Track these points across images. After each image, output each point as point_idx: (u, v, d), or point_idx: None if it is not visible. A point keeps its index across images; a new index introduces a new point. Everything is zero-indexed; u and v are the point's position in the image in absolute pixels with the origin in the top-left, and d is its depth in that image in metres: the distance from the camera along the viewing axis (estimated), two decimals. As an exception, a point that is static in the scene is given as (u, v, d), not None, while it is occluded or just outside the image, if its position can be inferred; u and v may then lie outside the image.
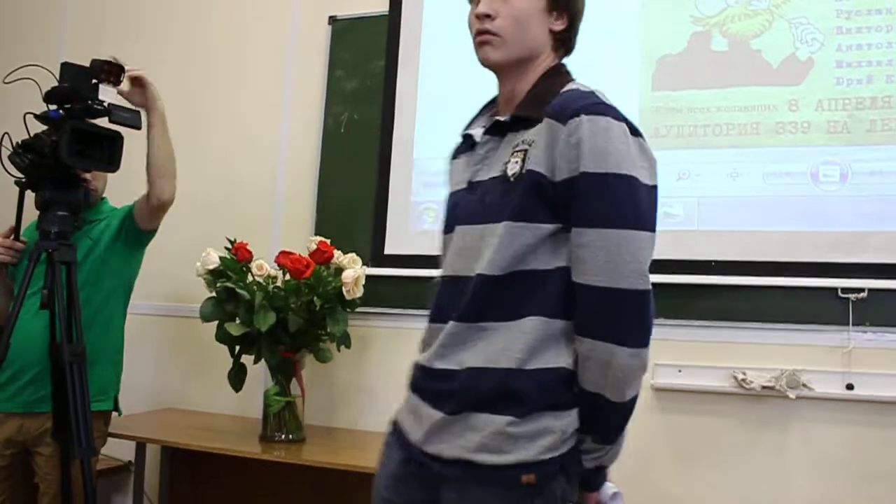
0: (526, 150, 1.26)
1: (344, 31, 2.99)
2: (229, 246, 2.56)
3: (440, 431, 1.26)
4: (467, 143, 1.41)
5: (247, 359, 2.56)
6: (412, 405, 1.35)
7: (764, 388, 2.36)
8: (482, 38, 1.34)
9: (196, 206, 3.01)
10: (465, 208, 1.34)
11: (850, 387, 2.33)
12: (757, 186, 2.42)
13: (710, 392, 2.43)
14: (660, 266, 2.40)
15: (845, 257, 2.33)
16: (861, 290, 2.32)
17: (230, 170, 3.12)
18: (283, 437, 2.53)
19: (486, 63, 1.37)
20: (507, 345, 1.23)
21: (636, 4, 2.61)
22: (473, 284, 1.26)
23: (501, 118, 1.35)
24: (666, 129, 2.51)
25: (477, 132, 1.38)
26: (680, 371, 2.45)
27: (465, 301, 1.27)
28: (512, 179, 1.26)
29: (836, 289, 2.34)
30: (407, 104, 2.83)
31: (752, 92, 2.46)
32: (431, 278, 2.65)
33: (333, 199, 2.92)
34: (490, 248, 1.25)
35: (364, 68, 2.94)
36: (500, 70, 1.39)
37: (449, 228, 1.38)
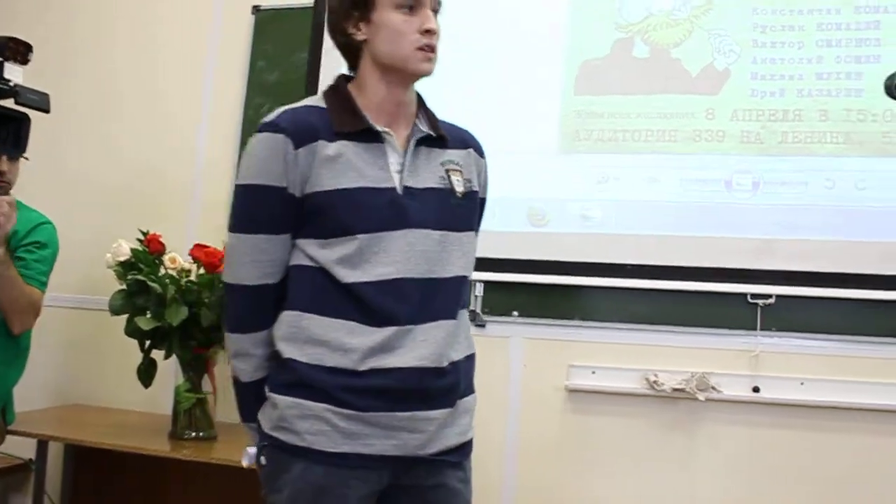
0: (459, 171, 1.46)
1: (267, 21, 2.96)
2: (141, 237, 2.51)
3: (444, 427, 1.39)
4: (358, 136, 1.39)
5: (157, 354, 2.51)
6: (384, 424, 1.35)
7: (675, 390, 2.43)
8: (430, 53, 1.43)
9: (108, 195, 2.94)
10: (425, 215, 1.40)
11: (756, 389, 2.42)
12: (674, 192, 2.49)
13: (622, 394, 2.49)
14: (576, 268, 2.50)
15: (755, 264, 2.42)
16: (769, 296, 2.42)
17: (145, 159, 3.04)
18: (194, 434, 2.49)
19: (425, 74, 1.45)
20: (465, 335, 1.47)
21: (562, 9, 2.65)
22: (453, 284, 1.42)
23: (430, 133, 1.46)
24: (587, 133, 2.56)
25: (391, 139, 1.43)
26: (594, 373, 2.51)
27: (447, 300, 1.41)
28: (460, 195, 1.44)
29: (745, 294, 2.43)
30: (329, 98, 2.81)
31: (671, 99, 2.53)
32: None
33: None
34: (457, 252, 1.43)
35: (287, 60, 2.91)
36: (415, 82, 1.48)
37: (397, 226, 1.38)
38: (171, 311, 2.37)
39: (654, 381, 2.45)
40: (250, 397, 1.43)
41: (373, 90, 1.43)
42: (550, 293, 2.53)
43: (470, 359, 1.47)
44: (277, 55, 2.94)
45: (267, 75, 2.93)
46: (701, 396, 2.42)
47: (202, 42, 3.07)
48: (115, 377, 2.85)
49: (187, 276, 2.48)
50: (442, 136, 1.47)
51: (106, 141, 3.07)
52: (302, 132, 1.35)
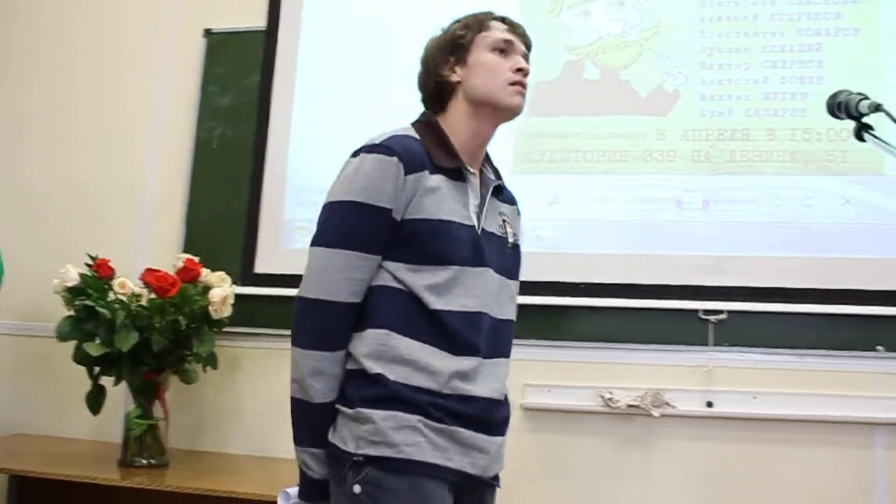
0: (509, 223, 1.58)
1: (219, 45, 2.95)
2: (90, 262, 2.47)
3: (500, 453, 1.50)
4: (450, 174, 1.47)
5: (107, 380, 2.46)
6: (461, 439, 1.41)
7: (630, 406, 2.45)
8: (522, 89, 1.53)
9: (56, 219, 2.89)
10: (493, 257, 1.49)
11: (709, 404, 2.45)
12: (625, 211, 2.52)
13: (578, 411, 2.51)
14: (530, 288, 2.48)
15: (706, 280, 2.46)
16: (721, 311, 2.46)
17: (95, 183, 2.99)
18: (145, 461, 2.44)
19: (518, 111, 1.54)
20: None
21: (512, 31, 2.68)
22: (509, 327, 1.54)
23: (498, 183, 1.58)
24: (539, 154, 2.59)
25: (473, 180, 1.52)
26: (549, 391, 2.52)
27: (507, 342, 1.53)
28: (511, 246, 1.56)
29: (697, 311, 2.47)
30: (281, 121, 2.81)
31: (621, 120, 2.57)
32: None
33: (204, 216, 2.86)
34: (512, 299, 1.56)
35: (239, 84, 2.90)
36: (509, 119, 1.57)
37: (477, 263, 1.46)
38: (121, 336, 2.32)
39: (609, 399, 2.46)
40: (319, 419, 1.41)
41: (463, 128, 1.52)
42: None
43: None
44: (229, 79, 2.92)
45: (219, 99, 2.91)
46: (655, 412, 2.44)
47: (154, 65, 3.05)
48: (62, 405, 2.78)
49: (137, 301, 2.44)
50: (502, 187, 1.60)
51: (56, 164, 3.01)
52: (412, 160, 1.41)
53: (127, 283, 2.43)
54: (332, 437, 1.39)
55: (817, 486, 2.40)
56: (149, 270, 2.44)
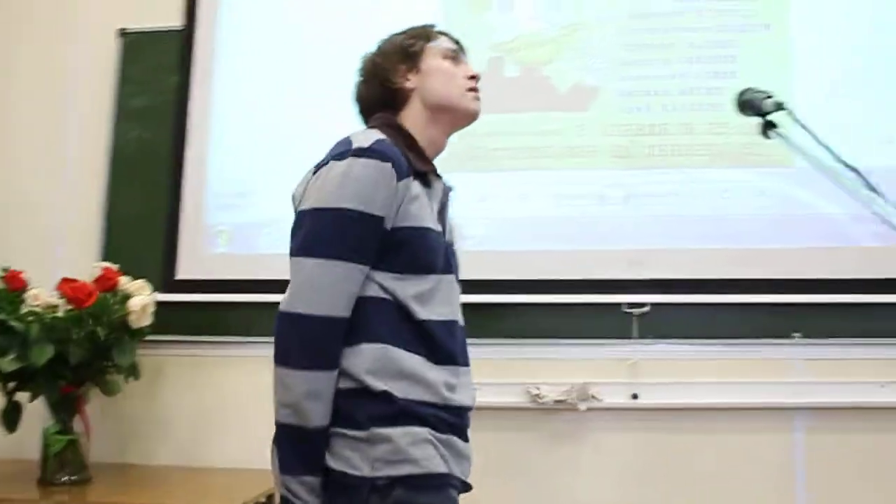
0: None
1: (134, 45, 2.87)
2: (1, 274, 2.39)
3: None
4: (422, 179, 1.45)
5: (23, 396, 2.38)
6: (457, 449, 1.41)
7: (556, 401, 2.47)
8: (478, 94, 1.57)
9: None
10: (453, 260, 1.52)
11: (634, 396, 2.49)
12: (549, 207, 2.54)
13: (506, 408, 2.52)
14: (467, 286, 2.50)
15: (629, 274, 2.50)
16: (644, 304, 2.50)
17: (7, 191, 2.89)
18: (66, 478, 2.36)
19: (476, 116, 1.59)
20: None
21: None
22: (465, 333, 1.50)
23: (451, 188, 1.57)
24: (465, 153, 2.58)
25: (436, 182, 1.51)
26: (477, 389, 2.52)
27: (466, 348, 1.50)
28: (453, 249, 1.55)
29: (620, 304, 2.50)
30: (200, 123, 2.75)
31: (541, 116, 2.59)
32: (227, 303, 2.62)
33: (123, 222, 2.78)
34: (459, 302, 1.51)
35: (156, 85, 2.83)
36: (464, 126, 1.61)
37: (447, 271, 1.46)
38: (35, 350, 2.25)
39: (537, 394, 2.48)
40: (316, 444, 1.32)
41: (423, 134, 1.51)
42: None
43: None
44: (146, 79, 2.85)
45: (135, 100, 2.84)
46: (582, 406, 2.47)
47: (67, 66, 2.95)
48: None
49: (54, 313, 2.36)
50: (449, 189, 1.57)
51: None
52: (400, 165, 1.37)
53: (40, 295, 2.36)
54: (336, 464, 1.31)
55: (741, 471, 2.46)
56: (65, 280, 2.37)
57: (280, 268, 2.54)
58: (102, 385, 2.45)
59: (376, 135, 1.41)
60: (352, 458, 1.30)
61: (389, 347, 1.34)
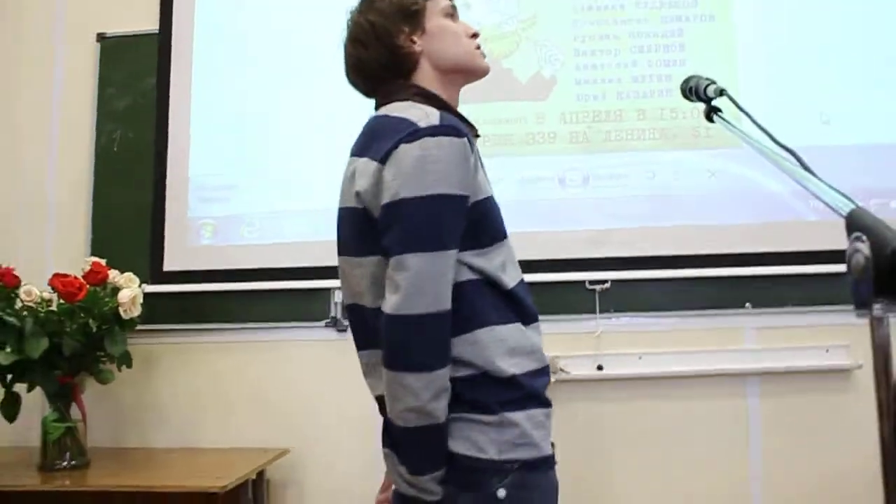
0: None
1: (113, 48, 2.97)
2: (-5, 272, 2.50)
3: None
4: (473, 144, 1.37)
5: (21, 386, 2.50)
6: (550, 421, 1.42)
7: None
8: (482, 51, 1.51)
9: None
10: None
11: (600, 367, 2.65)
12: (514, 192, 2.68)
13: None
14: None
15: (591, 253, 2.65)
16: (605, 281, 2.65)
17: (-5, 191, 3.01)
18: (65, 464, 2.48)
19: (486, 70, 1.53)
20: None
21: (399, 26, 2.80)
22: None
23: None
24: (431, 143, 2.72)
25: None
26: (453, 365, 2.66)
27: None
28: None
29: (584, 281, 2.65)
30: (180, 121, 2.86)
31: (504, 106, 2.73)
32: (213, 293, 2.75)
33: (109, 218, 2.89)
34: None
35: (136, 86, 2.94)
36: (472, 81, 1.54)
37: (505, 235, 1.41)
38: (31, 343, 2.36)
39: (508, 369, 2.62)
40: (444, 438, 1.28)
41: (444, 96, 1.44)
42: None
43: None
44: (126, 81, 2.95)
45: (117, 102, 2.94)
46: (552, 378, 2.60)
47: (48, 71, 3.04)
48: (-23, 414, 2.79)
49: (47, 307, 2.48)
50: None
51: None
52: (469, 138, 1.32)
53: (33, 291, 2.47)
54: (460, 448, 1.28)
55: (700, 435, 2.64)
56: (56, 276, 2.48)
57: (263, 257, 2.71)
58: (96, 374, 2.57)
59: (429, 109, 1.34)
60: (479, 441, 1.28)
61: (496, 328, 1.31)
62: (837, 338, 2.60)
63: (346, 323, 2.66)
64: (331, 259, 2.62)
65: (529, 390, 1.33)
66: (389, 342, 1.26)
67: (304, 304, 2.74)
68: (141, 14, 2.97)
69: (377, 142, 1.32)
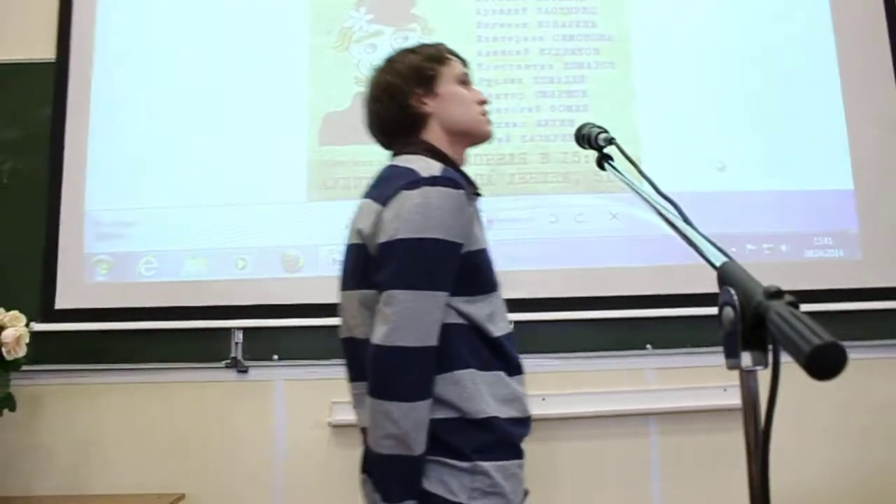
0: None
1: (5, 76, 2.88)
2: None
3: None
4: (473, 200, 1.48)
5: None
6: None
7: (430, 416, 2.60)
8: (488, 118, 1.63)
9: None
10: None
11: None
12: (416, 233, 2.67)
13: (382, 425, 2.63)
14: (331, 310, 2.60)
15: (494, 294, 2.66)
16: (510, 322, 2.65)
17: None
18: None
19: (490, 136, 1.66)
20: None
21: (302, 64, 2.80)
22: None
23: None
24: (333, 182, 2.71)
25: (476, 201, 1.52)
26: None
27: None
28: None
29: (486, 323, 2.65)
30: (77, 153, 2.77)
31: (410, 147, 2.73)
32: (106, 332, 2.65)
33: (-2, 253, 2.79)
34: None
35: (29, 116, 2.84)
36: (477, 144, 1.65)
37: (498, 285, 1.50)
38: None
39: (411, 410, 2.60)
40: (419, 470, 1.34)
41: (450, 154, 1.55)
42: (309, 335, 2.62)
43: None
44: (18, 111, 2.85)
45: (7, 132, 2.84)
46: (454, 420, 2.60)
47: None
48: None
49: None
50: None
51: None
52: (467, 191, 1.41)
53: None
54: (434, 488, 1.34)
55: (603, 475, 2.67)
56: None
57: (161, 296, 2.63)
58: (-25, 418, 2.44)
59: (433, 162, 1.44)
60: (451, 484, 1.34)
61: (477, 372, 1.38)
62: (734, 378, 2.58)
63: (247, 364, 2.62)
64: (231, 299, 2.61)
65: (504, 435, 1.39)
66: (375, 371, 1.32)
67: (203, 344, 2.67)
68: (36, 42, 2.89)
69: (382, 187, 1.43)
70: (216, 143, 2.72)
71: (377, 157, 2.71)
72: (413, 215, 1.35)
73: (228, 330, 2.65)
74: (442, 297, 1.35)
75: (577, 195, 2.72)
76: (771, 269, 2.64)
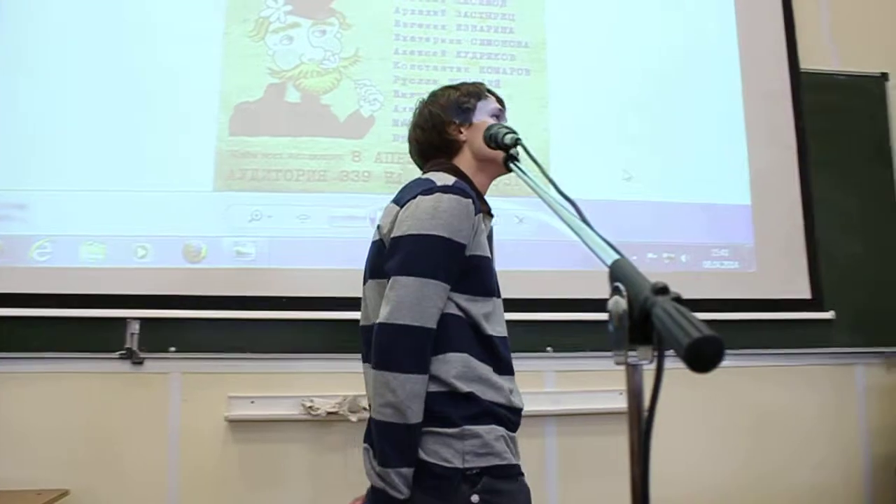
0: None
1: None
2: None
3: None
4: (484, 218, 1.69)
5: None
6: (517, 444, 1.66)
7: (329, 413, 2.61)
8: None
9: None
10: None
11: (403, 408, 2.67)
12: (323, 229, 2.68)
13: (281, 420, 2.63)
14: (232, 302, 2.59)
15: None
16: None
17: None
18: None
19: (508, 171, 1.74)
20: None
21: (215, 53, 2.76)
22: None
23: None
24: (241, 173, 2.68)
25: (487, 220, 1.73)
26: (252, 402, 2.62)
27: None
28: None
29: (391, 321, 2.67)
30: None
31: (320, 142, 2.74)
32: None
33: None
34: None
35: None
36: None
37: (499, 294, 1.71)
38: None
39: (310, 407, 2.60)
40: (413, 439, 1.52)
41: (477, 178, 1.78)
42: (208, 327, 2.59)
43: None
44: None
45: None
46: (353, 418, 2.61)
47: None
48: None
49: None
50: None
51: None
52: (475, 202, 1.61)
53: None
54: (430, 457, 1.52)
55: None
56: None
57: (53, 282, 2.56)
58: None
59: (450, 175, 1.68)
60: (443, 452, 1.52)
61: (469, 357, 1.58)
62: (629, 383, 2.73)
63: (142, 356, 2.57)
64: (129, 287, 2.56)
65: (487, 409, 1.57)
66: (377, 345, 1.52)
67: (97, 334, 2.60)
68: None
69: (404, 192, 1.65)
70: (121, 126, 2.66)
71: (287, 150, 2.74)
72: (423, 214, 1.57)
73: (124, 320, 2.58)
74: (441, 286, 1.55)
75: (487, 198, 2.75)
76: (670, 278, 2.69)
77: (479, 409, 1.56)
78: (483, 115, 1.82)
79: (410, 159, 2.71)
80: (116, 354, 2.59)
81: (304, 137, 2.72)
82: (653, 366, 0.87)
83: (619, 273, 0.94)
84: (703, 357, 0.72)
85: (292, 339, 2.65)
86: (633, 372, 0.92)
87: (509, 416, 1.61)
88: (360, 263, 2.66)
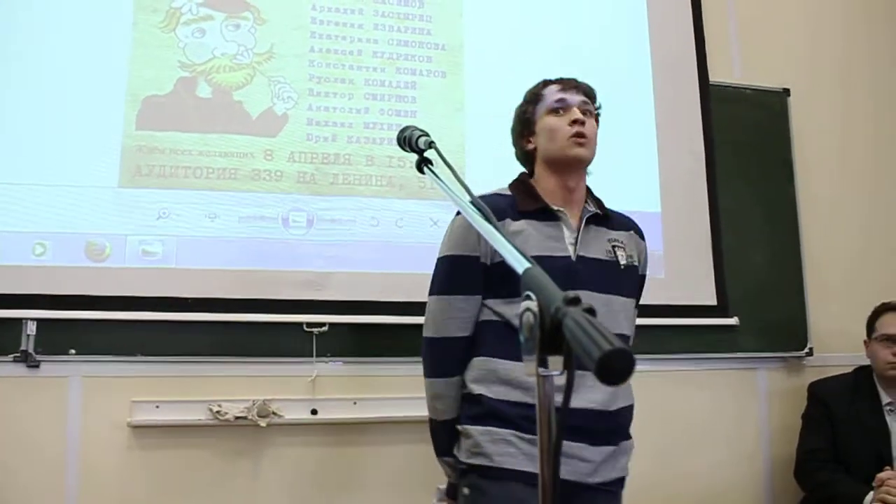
0: (622, 248, 1.91)
1: None
2: None
3: (607, 462, 1.76)
4: (539, 216, 1.84)
5: None
6: (569, 451, 1.68)
7: (237, 418, 2.60)
8: (581, 139, 1.86)
9: None
10: (593, 279, 1.80)
11: (314, 412, 2.69)
12: (233, 228, 2.67)
13: (187, 426, 2.60)
14: (137, 303, 2.55)
15: (309, 295, 2.70)
16: (323, 324, 2.70)
17: None
18: None
19: (582, 159, 1.89)
20: (628, 387, 1.85)
21: (124, 44, 2.70)
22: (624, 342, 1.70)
23: (598, 213, 1.92)
24: (148, 169, 2.64)
25: (565, 217, 1.87)
26: (157, 407, 2.58)
27: None
28: (623, 267, 1.88)
29: (301, 324, 2.69)
30: None
31: (231, 139, 2.72)
32: None
33: None
34: (622, 314, 1.85)
35: None
36: (581, 167, 1.93)
37: (568, 287, 1.66)
38: None
39: (218, 411, 2.59)
40: (444, 434, 1.85)
41: (545, 181, 1.90)
42: (111, 329, 2.54)
43: (630, 408, 1.87)
44: None
45: None
46: (262, 422, 2.61)
47: None
48: None
49: None
50: (607, 217, 1.93)
51: None
52: (492, 212, 1.57)
53: None
54: (455, 450, 1.83)
55: (413, 479, 2.72)
56: None
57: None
58: None
59: (493, 191, 1.90)
60: (459, 447, 1.81)
61: (492, 359, 1.76)
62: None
63: (39, 359, 2.51)
64: (25, 286, 2.49)
65: (491, 409, 1.73)
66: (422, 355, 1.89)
67: (-14, 335, 2.52)
68: None
69: None
70: (19, 116, 2.58)
71: (197, 147, 2.71)
72: (444, 239, 1.91)
73: (20, 321, 2.51)
74: (458, 299, 1.82)
75: (400, 200, 2.81)
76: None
77: (481, 409, 1.75)
78: (542, 119, 1.92)
79: (325, 160, 2.76)
80: (10, 357, 2.51)
81: (214, 134, 2.70)
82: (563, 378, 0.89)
83: (531, 282, 0.96)
84: (613, 370, 0.75)
85: (200, 341, 2.62)
86: (545, 381, 0.94)
87: (531, 416, 1.65)
88: (271, 264, 2.70)
